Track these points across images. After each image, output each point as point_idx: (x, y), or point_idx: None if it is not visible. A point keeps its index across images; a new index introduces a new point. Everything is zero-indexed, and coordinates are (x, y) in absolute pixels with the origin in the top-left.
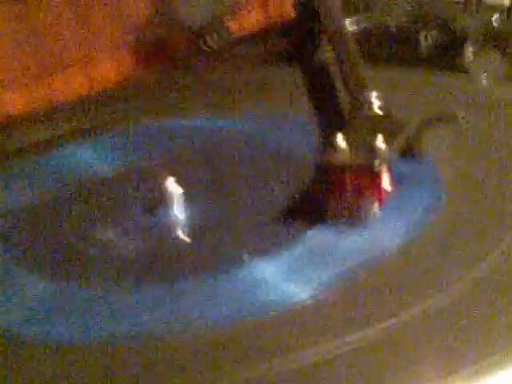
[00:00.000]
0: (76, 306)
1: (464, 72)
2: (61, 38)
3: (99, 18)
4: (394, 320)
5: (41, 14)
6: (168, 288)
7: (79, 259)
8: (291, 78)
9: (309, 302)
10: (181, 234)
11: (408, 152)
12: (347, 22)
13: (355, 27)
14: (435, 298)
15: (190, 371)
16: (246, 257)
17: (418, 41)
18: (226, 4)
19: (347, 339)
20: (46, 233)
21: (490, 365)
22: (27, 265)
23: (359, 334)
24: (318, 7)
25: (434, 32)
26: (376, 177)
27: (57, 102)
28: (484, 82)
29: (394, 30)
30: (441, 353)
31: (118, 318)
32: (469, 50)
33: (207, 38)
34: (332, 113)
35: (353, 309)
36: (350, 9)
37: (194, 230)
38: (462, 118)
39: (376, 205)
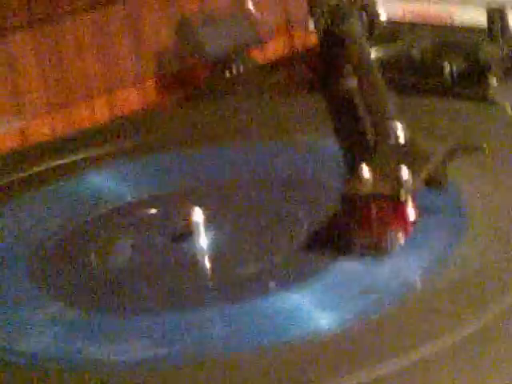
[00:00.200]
0: (98, 332)
1: (488, 101)
2: (84, 68)
3: (122, 48)
4: (417, 353)
5: (65, 45)
6: (190, 316)
7: (100, 285)
8: (315, 106)
9: (333, 332)
10: (204, 262)
11: (433, 182)
12: (372, 50)
13: (380, 56)
14: (459, 332)
15: None
16: (271, 286)
17: (442, 70)
18: (251, 34)
19: (371, 370)
20: (68, 259)
21: None
22: (50, 291)
23: (384, 366)
24: (342, 35)
25: (457, 61)
26: (401, 207)
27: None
28: (509, 110)
29: (419, 59)
30: None
31: (135, 343)
32: (493, 79)
33: (231, 65)
34: (357, 142)
35: (378, 341)
36: (374, 37)
37: (218, 259)
38: (487, 148)
39: (401, 236)
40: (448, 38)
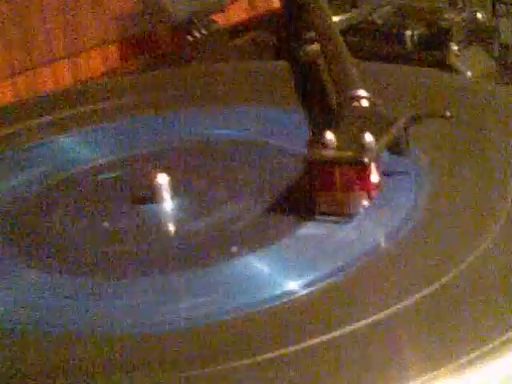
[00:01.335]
0: (65, 296)
1: (449, 68)
2: (46, 31)
3: (85, 11)
4: (381, 314)
5: (27, 7)
6: (157, 280)
7: (69, 250)
8: (277, 72)
9: (297, 297)
10: (171, 226)
11: (396, 148)
12: (334, 18)
13: (342, 22)
14: (423, 291)
15: (181, 364)
16: (234, 250)
17: (403, 37)
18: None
19: (335, 333)
20: (35, 223)
21: (478, 356)
22: (18, 255)
23: (348, 328)
24: (305, 2)
25: (418, 26)
26: (364, 171)
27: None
28: (468, 78)
29: (380, 24)
30: (432, 343)
31: (105, 309)
32: (453, 45)
33: (192, 29)
34: (320, 108)
35: (341, 304)
36: (336, 4)
37: (183, 223)
38: (448, 115)
39: (364, 199)
40: (409, 3)
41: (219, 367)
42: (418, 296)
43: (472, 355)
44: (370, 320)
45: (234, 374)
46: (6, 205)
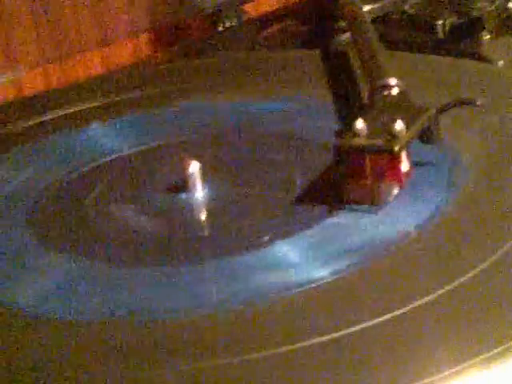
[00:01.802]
0: (95, 284)
1: (481, 57)
2: (77, 20)
3: (116, 2)
4: (411, 305)
5: None
6: (186, 268)
7: (100, 238)
8: (308, 61)
9: (326, 284)
10: (201, 214)
11: (427, 136)
12: (365, 7)
13: (373, 12)
14: (454, 283)
15: (206, 351)
16: (265, 239)
17: (435, 26)
18: None
19: (363, 325)
20: (66, 211)
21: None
22: (47, 242)
23: (377, 317)
24: None
25: (450, 15)
26: (395, 160)
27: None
28: (500, 67)
29: (412, 15)
30: (460, 336)
31: (133, 296)
32: (485, 34)
33: (222, 19)
34: (350, 97)
35: (371, 292)
36: None
37: (214, 211)
38: (479, 103)
39: (395, 188)
40: None
41: (255, 354)
42: (446, 288)
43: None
44: (397, 312)
45: (269, 361)
46: (37, 193)
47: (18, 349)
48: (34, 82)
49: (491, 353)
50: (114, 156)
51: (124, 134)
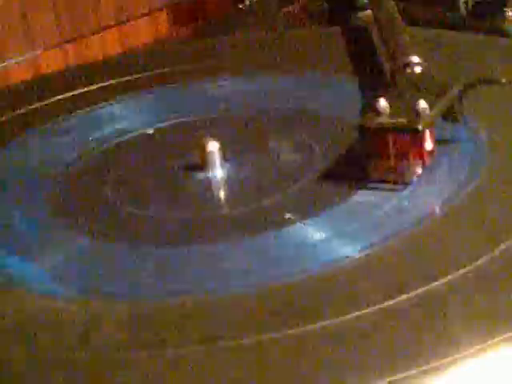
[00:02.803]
0: (112, 263)
1: (504, 34)
2: (94, 0)
3: None
4: (436, 282)
5: None
6: (208, 248)
7: (120, 216)
8: (329, 39)
9: (350, 263)
10: (221, 194)
11: (450, 115)
12: None
13: None
14: (478, 262)
15: (230, 331)
16: (288, 217)
17: (458, 2)
18: None
19: (389, 300)
20: (86, 189)
21: None
22: (66, 222)
23: (401, 296)
24: None
25: None
26: (418, 139)
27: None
28: None
29: None
30: (483, 315)
31: (155, 276)
32: (508, 11)
33: None
34: (373, 75)
35: (395, 271)
36: None
37: (235, 191)
38: (503, 81)
39: (418, 167)
40: None
41: (285, 332)
42: (474, 264)
43: None
44: (423, 289)
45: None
46: (56, 172)
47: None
48: (52, 62)
49: None
50: (133, 134)
51: (143, 113)
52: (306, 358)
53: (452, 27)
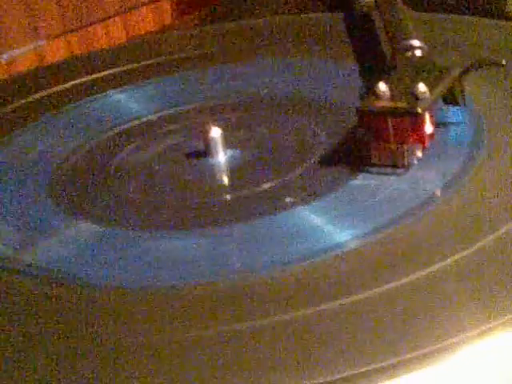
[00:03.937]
0: (116, 250)
1: (506, 18)
2: None
3: None
4: (436, 266)
5: None
6: (209, 233)
7: (124, 202)
8: (332, 23)
9: (349, 248)
10: (223, 179)
11: (450, 98)
12: None
13: None
14: (479, 245)
15: (230, 316)
16: (288, 201)
17: None
18: None
19: (386, 285)
20: (91, 175)
21: None
22: (71, 209)
23: (400, 280)
24: None
25: None
26: (418, 122)
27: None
28: None
29: None
30: (483, 298)
31: (157, 262)
32: None
33: None
34: (373, 59)
35: (395, 256)
36: None
37: (236, 175)
38: (504, 63)
39: (418, 150)
40: None
41: (283, 316)
42: (471, 249)
43: None
44: (424, 272)
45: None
46: (60, 160)
47: (39, 312)
48: (56, 52)
49: None
50: (136, 122)
51: (146, 100)
52: (299, 343)
53: (454, 10)
